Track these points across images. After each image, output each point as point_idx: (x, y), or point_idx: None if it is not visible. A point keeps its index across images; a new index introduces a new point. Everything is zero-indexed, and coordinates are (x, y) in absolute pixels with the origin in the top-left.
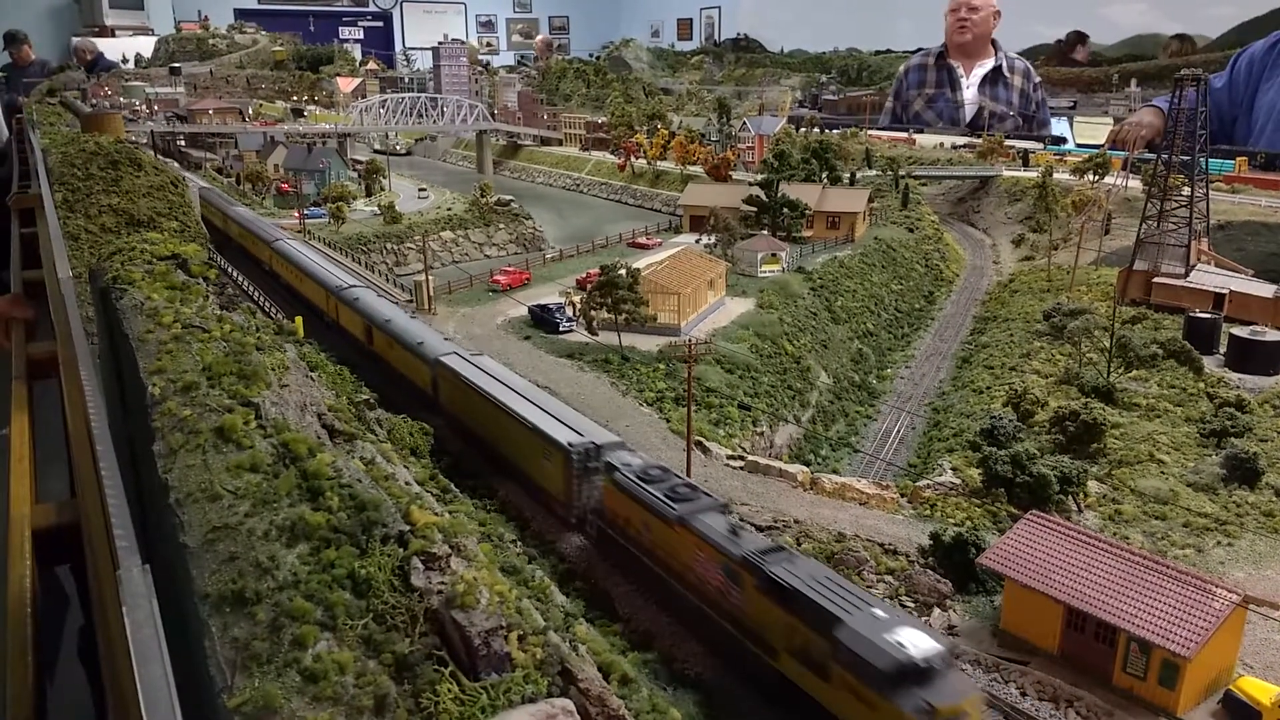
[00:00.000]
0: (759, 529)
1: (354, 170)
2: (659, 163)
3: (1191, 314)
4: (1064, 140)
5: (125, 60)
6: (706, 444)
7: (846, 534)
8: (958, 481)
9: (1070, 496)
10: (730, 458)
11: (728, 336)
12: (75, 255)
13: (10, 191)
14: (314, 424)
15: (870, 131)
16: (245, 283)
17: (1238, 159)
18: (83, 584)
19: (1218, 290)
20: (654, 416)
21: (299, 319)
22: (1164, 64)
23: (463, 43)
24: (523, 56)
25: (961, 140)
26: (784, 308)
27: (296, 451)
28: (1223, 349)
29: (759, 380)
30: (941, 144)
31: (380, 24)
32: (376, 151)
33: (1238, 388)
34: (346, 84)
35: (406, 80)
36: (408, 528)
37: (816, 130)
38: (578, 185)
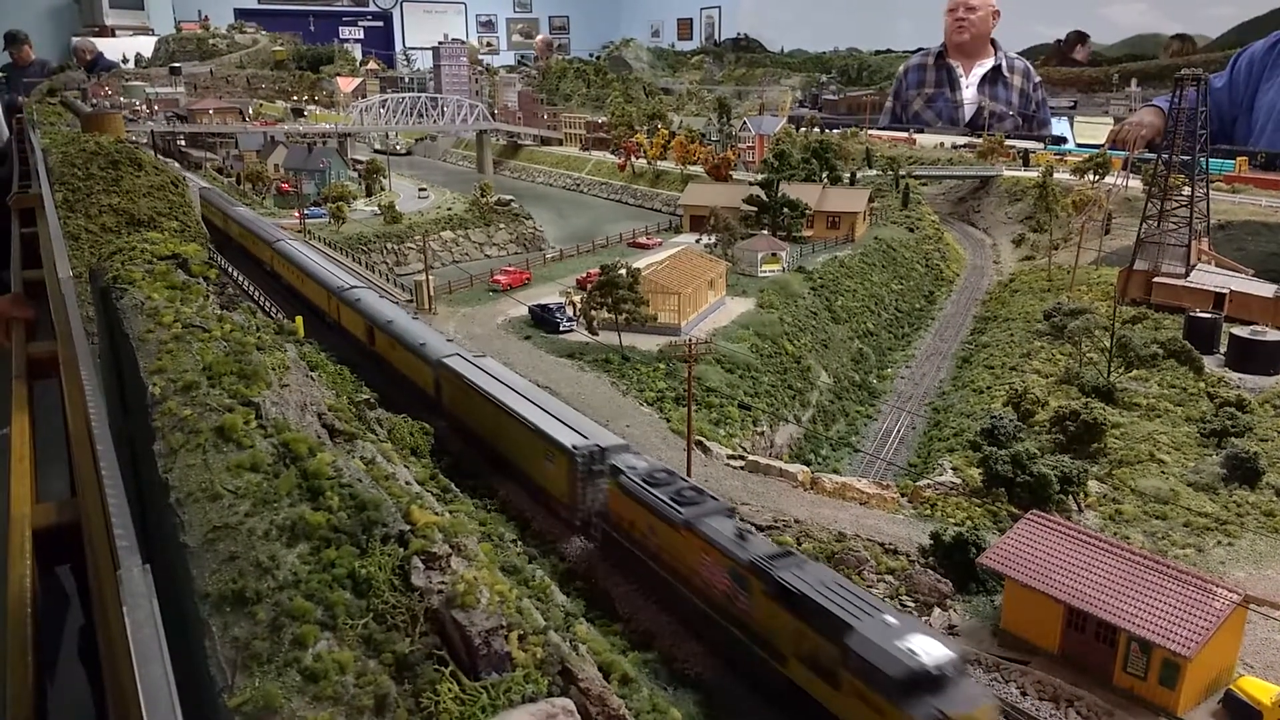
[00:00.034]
0: (759, 529)
1: (354, 170)
2: (659, 163)
3: (1192, 314)
4: (1064, 140)
5: (125, 60)
6: (707, 444)
7: (847, 534)
8: (958, 481)
9: (1070, 496)
10: (730, 457)
11: (728, 336)
12: (75, 255)
13: (10, 191)
14: (314, 424)
15: (870, 131)
16: (246, 283)
17: (1238, 159)
18: (83, 584)
19: (1218, 290)
20: (654, 416)
21: (299, 318)
22: (1164, 64)
23: (463, 43)
24: (523, 56)
25: (962, 140)
26: (784, 307)
27: (297, 451)
28: (1223, 349)
29: (759, 380)
30: (942, 144)
31: (380, 24)
32: (377, 151)
33: (1238, 387)
34: (346, 84)
35: (407, 80)
36: (408, 527)
37: (817, 130)
38: (578, 185)
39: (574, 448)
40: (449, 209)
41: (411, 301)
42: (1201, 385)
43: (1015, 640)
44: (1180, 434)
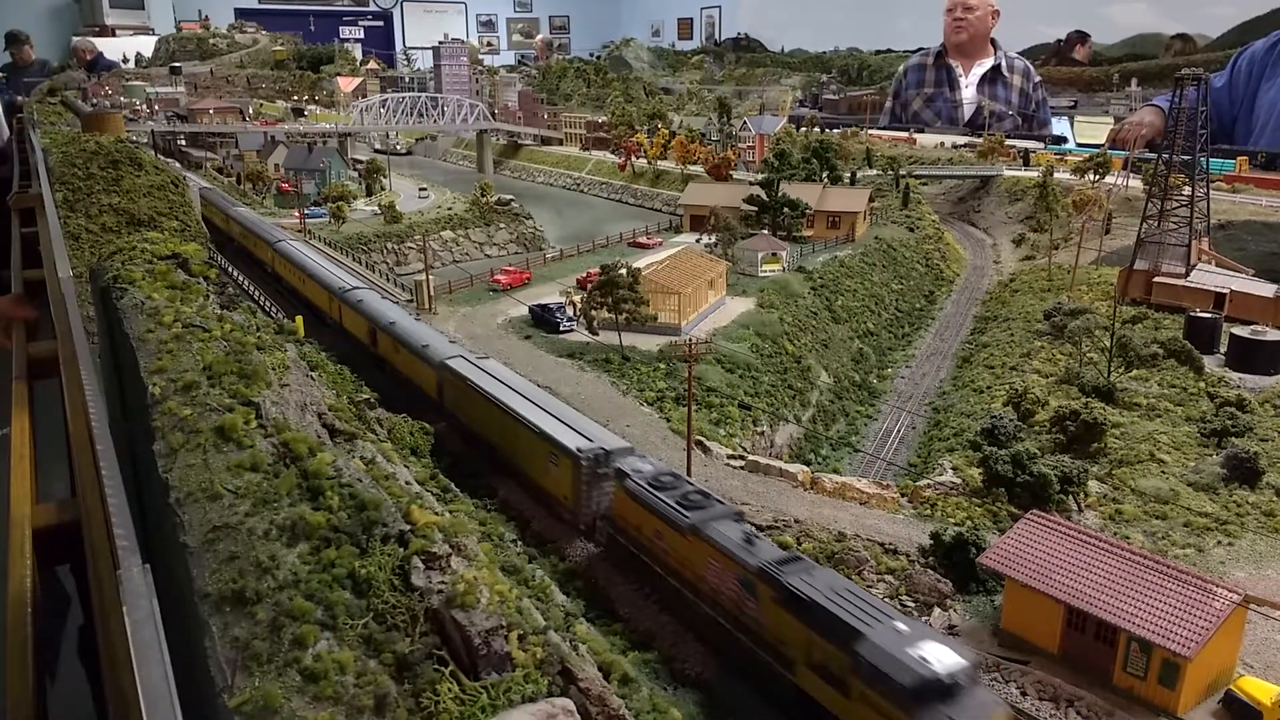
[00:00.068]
0: (760, 529)
1: (354, 170)
2: (659, 162)
3: (1192, 313)
4: (1064, 140)
5: (125, 60)
6: (707, 443)
7: (847, 534)
8: (958, 481)
9: (1070, 496)
10: (731, 457)
11: (728, 336)
12: (76, 255)
13: (11, 191)
14: (314, 423)
15: (871, 131)
16: (247, 284)
17: (1238, 158)
18: (83, 584)
19: (1218, 290)
20: (654, 416)
21: (299, 318)
22: (1164, 63)
23: (463, 42)
24: (523, 56)
25: (962, 140)
26: (784, 307)
27: (297, 451)
28: (1223, 349)
29: (759, 380)
30: (942, 144)
31: (380, 23)
32: (377, 151)
33: (1238, 387)
34: (347, 84)
35: (407, 80)
36: (408, 527)
37: (817, 130)
38: (578, 185)
39: (578, 451)
40: (449, 209)
41: (411, 301)
42: (1201, 385)
43: (1015, 640)
44: (1180, 434)
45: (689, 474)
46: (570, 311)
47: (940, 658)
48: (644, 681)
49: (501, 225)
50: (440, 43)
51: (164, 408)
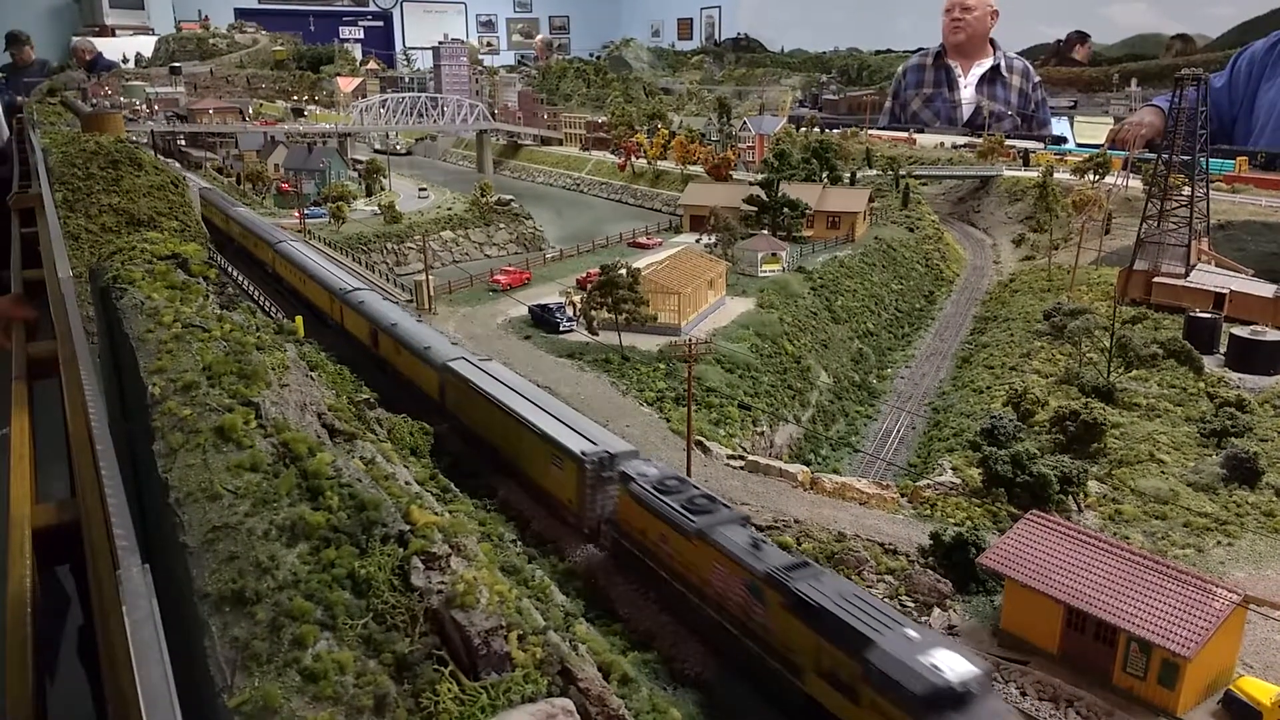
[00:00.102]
0: (759, 529)
1: (354, 170)
2: (659, 162)
3: (1192, 314)
4: (1064, 140)
5: (125, 60)
6: (707, 444)
7: (846, 534)
8: (958, 481)
9: (1070, 496)
10: (730, 457)
11: (728, 336)
12: (75, 255)
13: (11, 191)
14: (314, 423)
15: (870, 131)
16: (248, 285)
17: (1238, 158)
18: (83, 584)
19: (1218, 290)
20: (654, 416)
21: (299, 318)
22: (1164, 64)
23: (463, 42)
24: (523, 56)
25: (962, 140)
26: (784, 307)
27: (296, 451)
28: (1223, 349)
29: (759, 380)
30: (942, 144)
31: (380, 24)
32: (377, 151)
33: (1238, 387)
34: (347, 84)
35: (407, 80)
36: (408, 527)
37: (817, 130)
38: (578, 185)
39: (582, 454)
40: (449, 209)
41: (411, 301)
42: (1201, 385)
43: (1015, 640)
44: (1180, 434)
45: (689, 474)
46: (570, 311)
47: (953, 665)
48: (644, 681)
49: (501, 225)
50: (440, 43)
51: (164, 408)
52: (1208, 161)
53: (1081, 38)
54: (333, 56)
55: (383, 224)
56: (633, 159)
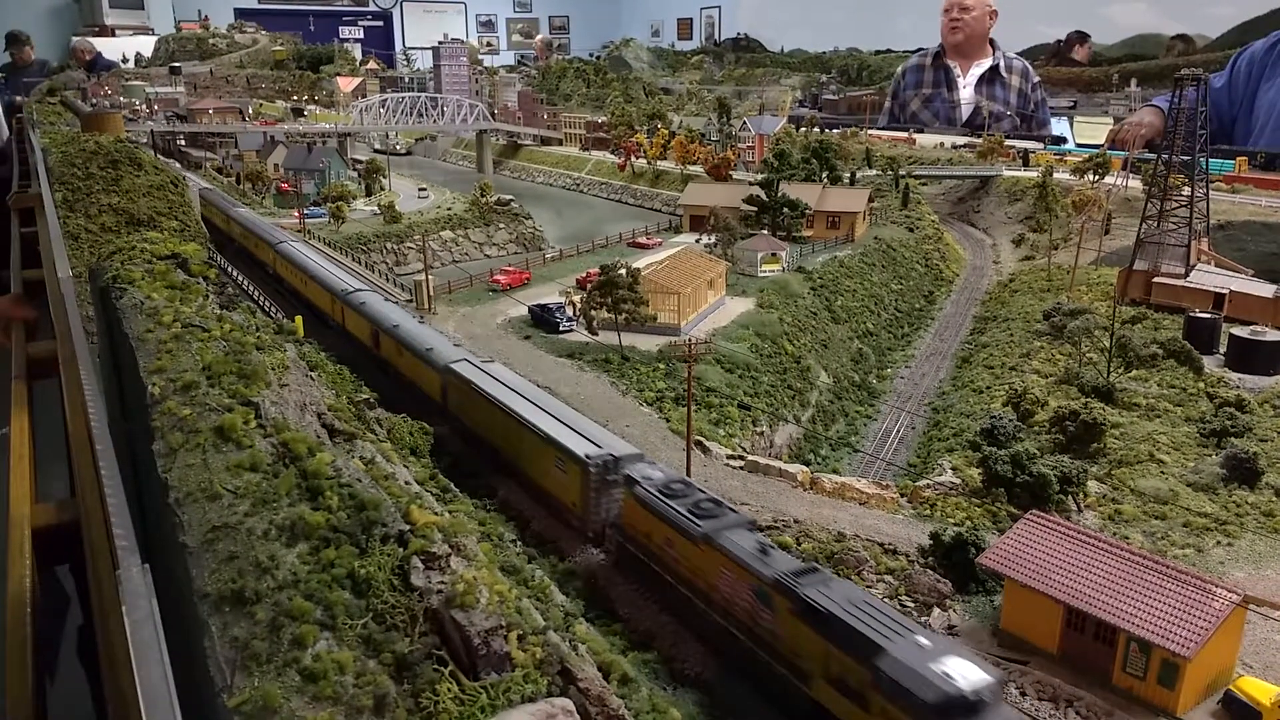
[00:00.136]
0: (760, 529)
1: (354, 170)
2: (659, 162)
3: (1191, 314)
4: (1064, 140)
5: (125, 60)
6: (706, 444)
7: (846, 534)
8: (958, 481)
9: (1070, 496)
10: (730, 457)
11: (728, 336)
12: (75, 255)
13: (10, 191)
14: (314, 423)
15: (870, 131)
16: (249, 286)
17: (1238, 159)
18: (83, 584)
19: (1218, 290)
20: (654, 416)
21: (298, 318)
22: (1164, 64)
23: (463, 42)
24: (523, 56)
25: (962, 140)
26: (784, 307)
27: (296, 451)
28: (1223, 349)
29: (759, 380)
30: (942, 144)
31: (380, 24)
32: (376, 151)
33: (1238, 388)
34: (346, 84)
35: (406, 80)
36: (407, 527)
37: (817, 130)
38: (578, 185)
39: (587, 457)
40: (449, 209)
41: (411, 301)
42: (1201, 385)
43: (1015, 640)
44: (1180, 434)
45: (689, 474)
46: (570, 311)
47: (965, 674)
48: (644, 681)
49: (501, 225)
50: (440, 43)
51: (163, 408)
52: (1207, 162)
53: (1081, 38)
54: (333, 56)
55: (382, 224)
56: (632, 159)
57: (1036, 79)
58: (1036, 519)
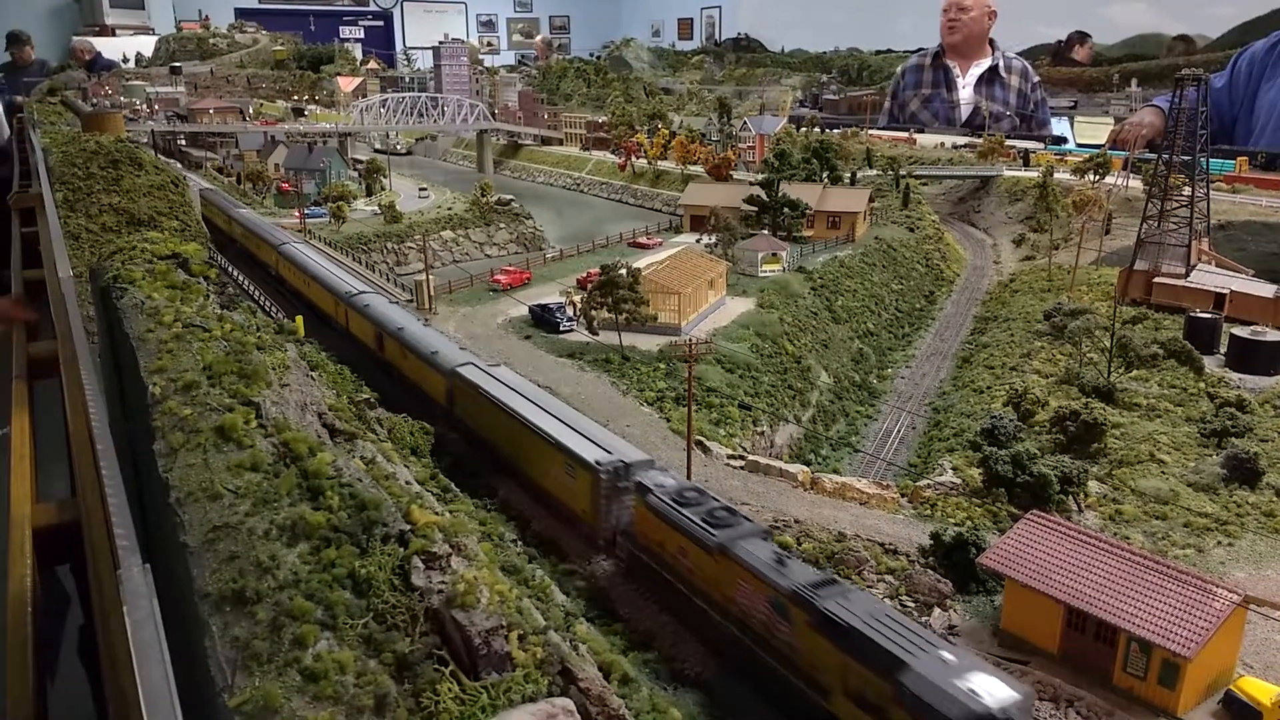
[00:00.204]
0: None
1: (354, 170)
2: (659, 162)
3: (1192, 314)
4: (1064, 140)
5: (125, 60)
6: (707, 444)
7: (847, 534)
8: (958, 481)
9: (1070, 496)
10: (730, 457)
11: (728, 336)
12: (76, 254)
13: (11, 191)
14: (314, 423)
15: (871, 131)
16: (250, 287)
17: (1238, 159)
18: (83, 583)
19: (1218, 290)
20: (654, 416)
21: (299, 318)
22: (1165, 64)
23: (463, 42)
24: (523, 56)
25: (962, 140)
26: (784, 307)
27: (297, 451)
28: (1223, 349)
29: (759, 380)
30: (942, 144)
31: (380, 23)
32: (377, 151)
33: (1238, 388)
34: (347, 83)
35: (407, 80)
36: (408, 527)
37: (817, 130)
38: (578, 185)
39: (597, 464)
40: (449, 209)
41: (411, 301)
42: (1201, 385)
43: (1015, 640)
44: (1180, 434)
45: (689, 474)
46: (570, 311)
47: (991, 690)
48: (644, 681)
49: (501, 225)
50: (440, 43)
51: (164, 407)
52: (1208, 162)
53: (1081, 38)
54: (333, 56)
55: (383, 224)
56: (633, 159)
57: (1036, 79)
58: (1037, 519)
